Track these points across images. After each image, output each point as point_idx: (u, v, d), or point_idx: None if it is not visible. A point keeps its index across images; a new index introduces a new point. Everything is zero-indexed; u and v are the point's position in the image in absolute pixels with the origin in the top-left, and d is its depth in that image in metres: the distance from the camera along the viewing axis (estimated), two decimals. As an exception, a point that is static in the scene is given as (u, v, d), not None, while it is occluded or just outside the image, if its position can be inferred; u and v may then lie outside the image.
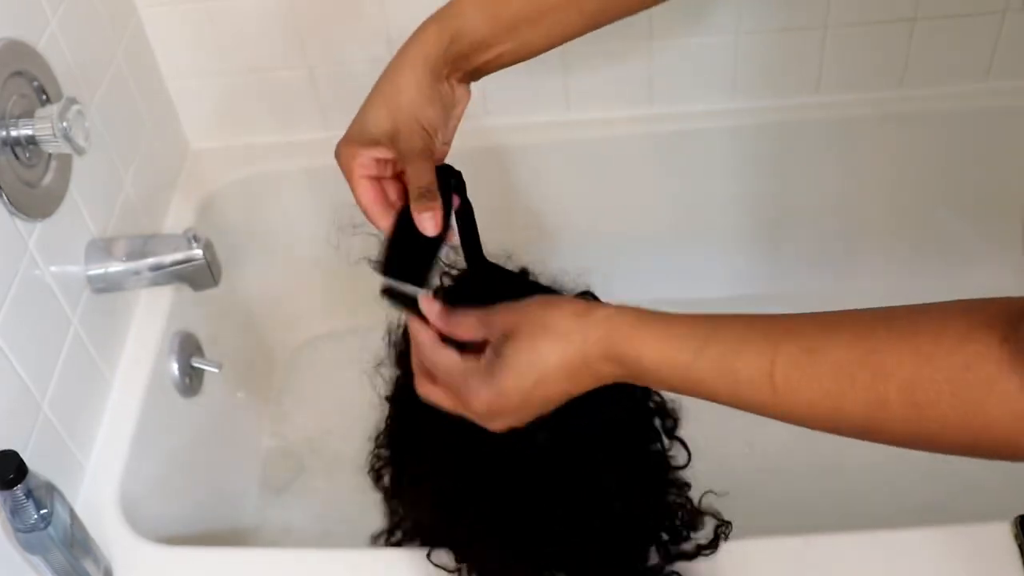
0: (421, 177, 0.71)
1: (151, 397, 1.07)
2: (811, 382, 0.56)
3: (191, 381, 1.17)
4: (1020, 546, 0.83)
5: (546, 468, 0.77)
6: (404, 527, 0.90)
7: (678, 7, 1.27)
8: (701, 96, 1.34)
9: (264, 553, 1.04)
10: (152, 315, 1.14)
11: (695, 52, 1.30)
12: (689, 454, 0.86)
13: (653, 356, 0.61)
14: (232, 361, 1.28)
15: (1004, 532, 0.84)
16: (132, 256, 1.05)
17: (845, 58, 1.28)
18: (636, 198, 1.43)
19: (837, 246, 1.47)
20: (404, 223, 0.72)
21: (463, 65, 0.77)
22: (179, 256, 1.06)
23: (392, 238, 0.73)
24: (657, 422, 0.85)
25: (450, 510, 0.82)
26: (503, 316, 0.67)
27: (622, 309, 0.64)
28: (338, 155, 0.75)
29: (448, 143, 0.80)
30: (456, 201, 0.76)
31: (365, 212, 0.74)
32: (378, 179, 0.74)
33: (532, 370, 0.64)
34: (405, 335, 0.85)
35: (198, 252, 1.06)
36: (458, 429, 0.70)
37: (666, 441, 0.86)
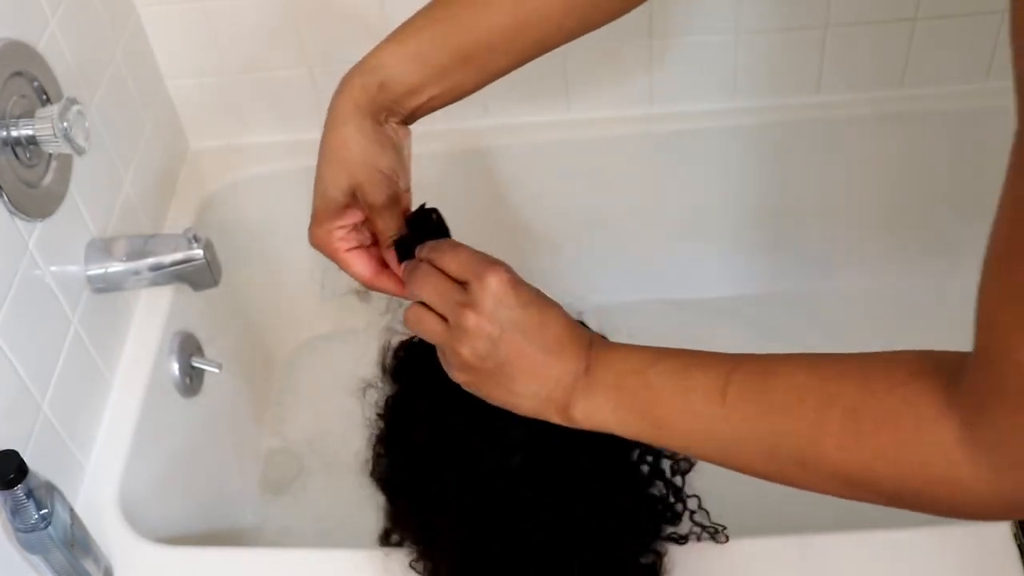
0: (391, 227, 0.72)
1: (151, 397, 1.07)
2: (761, 396, 0.57)
3: (191, 381, 1.17)
4: (1020, 546, 0.83)
5: (531, 474, 0.77)
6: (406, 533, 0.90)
7: (679, 7, 1.28)
8: (701, 96, 1.34)
9: (264, 553, 1.04)
10: (152, 315, 1.14)
11: (695, 52, 1.30)
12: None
13: (616, 356, 0.63)
14: (232, 361, 1.28)
15: (1004, 532, 0.84)
16: (132, 256, 1.05)
17: (845, 58, 1.28)
18: (636, 198, 1.43)
19: (837, 246, 1.47)
20: (406, 243, 0.73)
21: (397, 109, 0.75)
22: (179, 256, 1.06)
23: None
24: None
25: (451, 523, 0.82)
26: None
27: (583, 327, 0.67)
28: (313, 241, 0.74)
29: (408, 190, 0.78)
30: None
31: (366, 284, 0.74)
32: (365, 247, 0.74)
33: (540, 320, 0.64)
34: (395, 354, 0.85)
35: (198, 252, 1.06)
36: (450, 438, 0.71)
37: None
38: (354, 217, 0.74)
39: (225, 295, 1.21)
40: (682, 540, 0.85)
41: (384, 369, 0.88)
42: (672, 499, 0.85)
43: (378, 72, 0.74)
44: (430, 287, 0.66)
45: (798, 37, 1.28)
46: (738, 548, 0.87)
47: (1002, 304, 0.45)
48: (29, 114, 0.92)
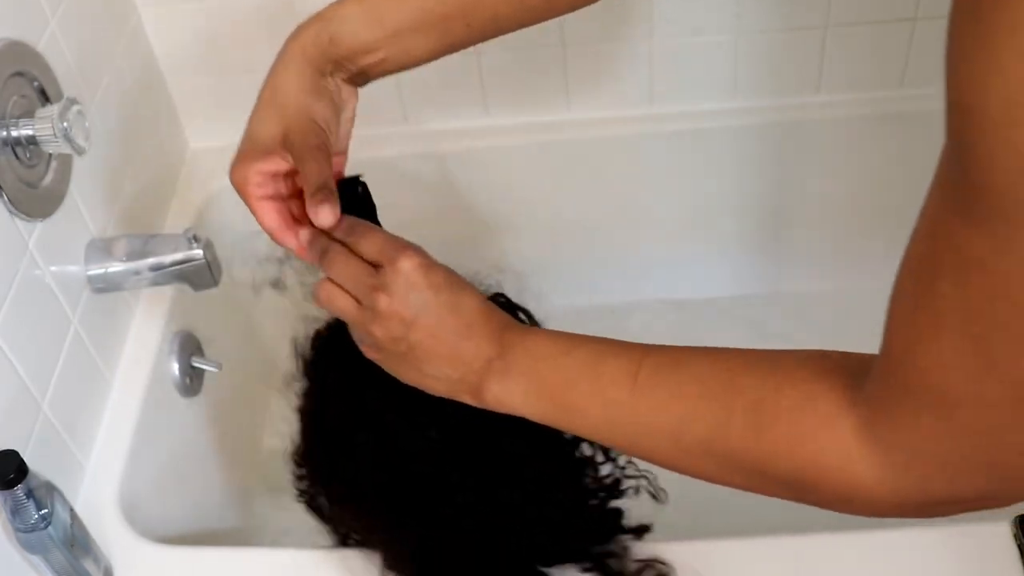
0: (319, 173, 0.67)
1: (151, 397, 1.07)
2: (669, 384, 0.59)
3: (191, 381, 1.17)
4: (1020, 546, 0.83)
5: (454, 454, 0.77)
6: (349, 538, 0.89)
7: (679, 7, 1.28)
8: (701, 96, 1.34)
9: (264, 553, 1.04)
10: (152, 315, 1.14)
11: (695, 52, 1.30)
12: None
13: (532, 342, 0.64)
14: (232, 361, 1.28)
15: (1004, 532, 0.84)
16: (132, 256, 1.05)
17: (845, 58, 1.28)
18: (636, 198, 1.43)
19: (838, 246, 1.47)
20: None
21: (347, 66, 0.73)
22: (179, 256, 1.06)
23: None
24: None
25: (379, 513, 0.81)
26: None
27: (501, 311, 0.68)
28: (232, 179, 0.73)
29: (343, 152, 0.76)
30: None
31: (271, 235, 0.71)
32: (280, 198, 0.71)
33: (451, 303, 0.64)
34: (313, 344, 0.83)
35: (198, 252, 1.06)
36: (364, 416, 0.72)
37: None
38: (275, 164, 0.70)
39: (225, 295, 1.21)
40: (620, 493, 0.84)
41: (302, 362, 0.86)
42: (608, 472, 0.85)
43: (332, 24, 0.72)
44: (342, 267, 0.66)
45: (798, 37, 1.28)
46: (738, 548, 0.87)
47: (913, 314, 0.46)
48: (29, 114, 0.92)
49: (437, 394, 0.67)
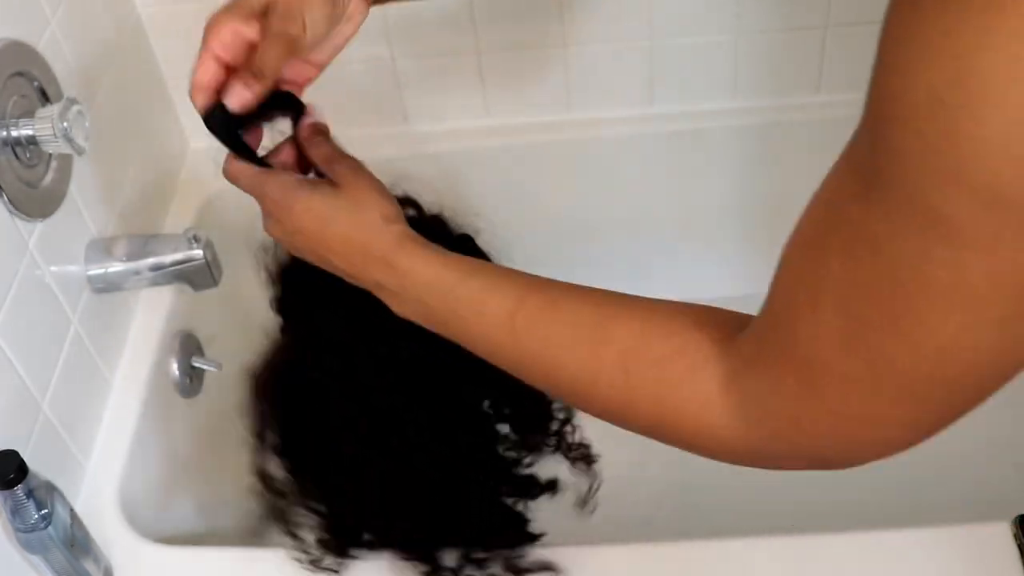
0: (267, 61, 0.66)
1: (151, 397, 1.07)
2: (546, 329, 0.61)
3: (191, 381, 1.17)
4: (1020, 546, 0.83)
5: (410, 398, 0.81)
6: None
7: (679, 7, 1.28)
8: (701, 96, 1.34)
9: (264, 553, 1.04)
10: (152, 315, 1.14)
11: (695, 52, 1.30)
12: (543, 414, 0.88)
13: (424, 271, 0.67)
14: (232, 361, 1.28)
15: (1004, 532, 0.84)
16: (132, 256, 1.05)
17: (845, 58, 1.28)
18: (636, 198, 1.43)
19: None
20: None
21: None
22: (179, 256, 1.06)
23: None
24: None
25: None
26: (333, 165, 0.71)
27: (407, 230, 0.69)
28: (207, 23, 0.69)
29: (320, 66, 0.76)
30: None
31: (191, 88, 0.68)
32: (222, 63, 0.68)
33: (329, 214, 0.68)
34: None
35: (198, 252, 1.06)
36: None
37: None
38: (249, 29, 0.67)
39: (225, 295, 1.21)
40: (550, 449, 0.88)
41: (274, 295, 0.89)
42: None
43: None
44: (248, 185, 0.72)
45: (798, 37, 1.28)
46: (738, 548, 0.87)
47: (798, 282, 0.48)
48: (29, 114, 0.92)
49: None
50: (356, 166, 0.71)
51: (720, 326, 0.55)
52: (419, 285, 0.66)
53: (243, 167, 0.73)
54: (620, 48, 1.30)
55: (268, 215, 0.71)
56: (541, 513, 0.91)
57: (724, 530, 0.93)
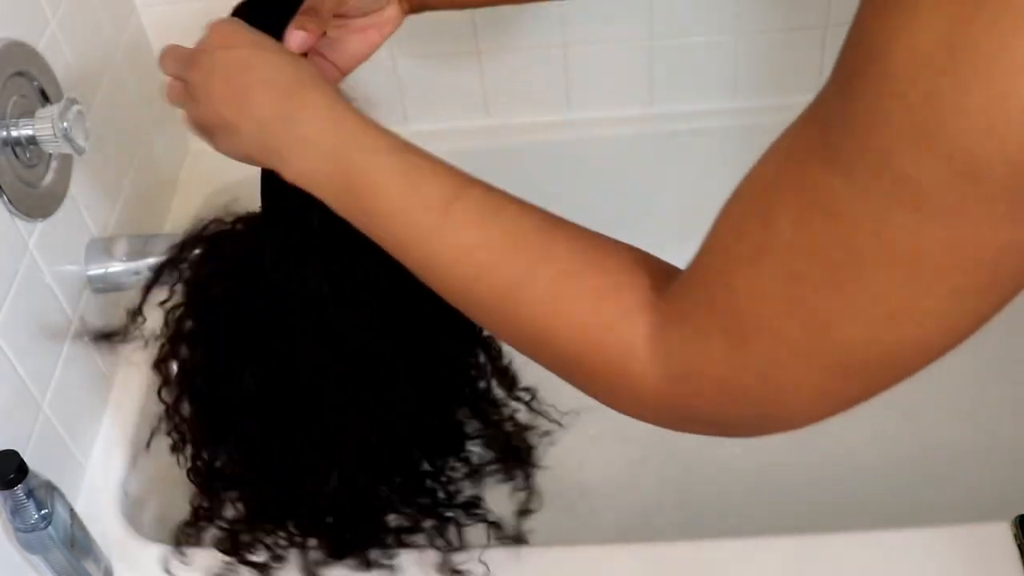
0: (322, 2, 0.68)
1: (152, 397, 1.07)
2: (482, 229, 0.57)
3: (191, 381, 1.17)
4: (1020, 546, 0.83)
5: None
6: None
7: (679, 7, 1.28)
8: (701, 96, 1.34)
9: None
10: (153, 315, 1.14)
11: (695, 52, 1.30)
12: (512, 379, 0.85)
13: (352, 124, 0.61)
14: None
15: (1004, 532, 0.84)
16: (132, 256, 1.05)
17: (845, 58, 1.28)
18: (636, 198, 1.43)
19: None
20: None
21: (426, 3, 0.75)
22: (179, 256, 1.06)
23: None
24: (482, 356, 0.84)
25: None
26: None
27: (333, 86, 0.65)
28: None
29: (344, 71, 0.77)
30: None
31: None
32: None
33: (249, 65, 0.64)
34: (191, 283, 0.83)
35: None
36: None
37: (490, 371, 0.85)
38: None
39: (225, 295, 1.21)
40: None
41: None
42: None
43: None
44: (169, 60, 0.69)
45: (798, 37, 1.28)
46: (738, 548, 0.87)
47: (739, 237, 0.47)
48: (29, 114, 0.92)
49: (249, 160, 0.65)
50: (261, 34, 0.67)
51: (657, 273, 0.53)
52: (348, 132, 0.60)
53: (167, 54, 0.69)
54: (620, 48, 1.30)
55: (190, 62, 0.66)
56: (537, 514, 0.90)
57: (724, 530, 0.93)
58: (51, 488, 0.84)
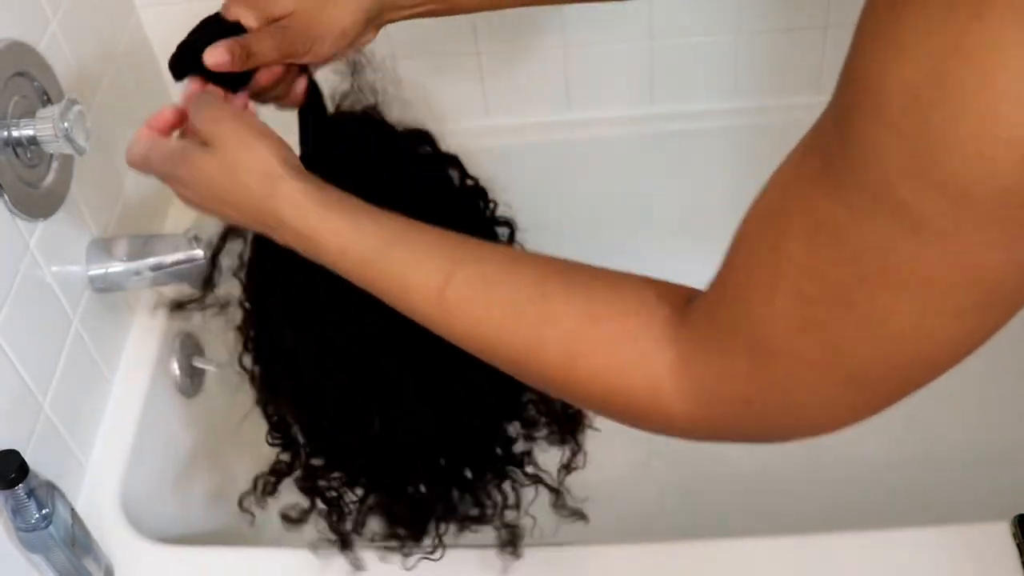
0: (261, 47, 0.72)
1: (152, 397, 1.07)
2: (480, 308, 0.58)
3: (192, 381, 1.17)
4: (1019, 546, 0.83)
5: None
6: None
7: (679, 7, 1.28)
8: (701, 96, 1.34)
9: (264, 553, 1.04)
10: (153, 315, 1.14)
11: (695, 52, 1.30)
12: None
13: (333, 245, 0.63)
14: (233, 361, 1.28)
15: (1003, 532, 0.84)
16: (133, 256, 1.05)
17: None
18: (636, 198, 1.43)
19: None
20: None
21: (392, 16, 0.78)
22: (180, 256, 1.06)
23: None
24: None
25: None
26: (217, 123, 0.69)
27: (310, 190, 0.65)
28: None
29: (312, 61, 0.78)
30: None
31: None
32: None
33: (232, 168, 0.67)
34: (254, 245, 0.82)
35: (199, 252, 1.06)
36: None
37: None
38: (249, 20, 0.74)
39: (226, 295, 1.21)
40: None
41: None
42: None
43: None
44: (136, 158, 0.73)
45: (798, 37, 1.28)
46: (738, 548, 0.87)
47: (754, 263, 0.49)
48: (30, 114, 0.92)
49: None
50: (235, 124, 0.69)
51: (669, 302, 0.55)
52: (331, 258, 0.63)
53: (135, 145, 0.73)
54: (620, 48, 1.31)
55: (167, 182, 0.71)
56: (539, 515, 0.91)
57: (727, 531, 0.93)
58: (52, 488, 0.84)
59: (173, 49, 0.75)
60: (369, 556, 0.89)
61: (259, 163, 0.67)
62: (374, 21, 0.77)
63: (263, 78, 0.76)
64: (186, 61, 0.74)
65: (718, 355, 0.51)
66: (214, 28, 0.74)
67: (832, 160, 0.43)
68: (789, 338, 0.47)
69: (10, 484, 0.79)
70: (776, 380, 0.49)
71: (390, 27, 1.28)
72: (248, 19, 0.74)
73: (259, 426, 1.48)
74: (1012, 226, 0.39)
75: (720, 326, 0.51)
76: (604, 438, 1.04)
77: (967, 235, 0.39)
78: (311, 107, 0.80)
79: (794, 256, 0.46)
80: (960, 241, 0.40)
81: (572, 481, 0.98)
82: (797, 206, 0.46)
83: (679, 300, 0.55)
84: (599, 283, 0.58)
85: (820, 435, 0.52)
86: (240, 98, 0.75)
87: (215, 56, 0.71)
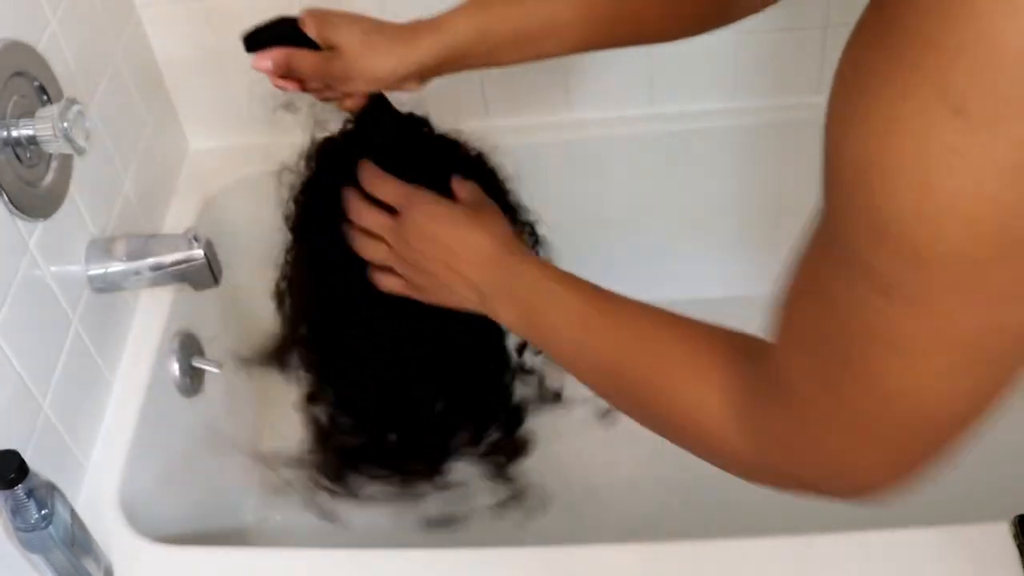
0: (304, 60, 0.80)
1: (152, 397, 1.07)
2: (603, 340, 0.69)
3: (192, 381, 1.17)
4: (1019, 546, 0.83)
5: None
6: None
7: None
8: (701, 96, 1.34)
9: (264, 553, 1.04)
10: (153, 315, 1.14)
11: (695, 52, 1.30)
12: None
13: (526, 275, 0.76)
14: (233, 361, 1.28)
15: (1003, 532, 0.84)
16: (132, 256, 1.05)
17: (845, 58, 1.28)
18: (636, 198, 1.43)
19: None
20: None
21: (435, 73, 0.85)
22: (179, 256, 1.06)
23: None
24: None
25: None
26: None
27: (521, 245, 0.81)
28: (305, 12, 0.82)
29: (357, 94, 0.85)
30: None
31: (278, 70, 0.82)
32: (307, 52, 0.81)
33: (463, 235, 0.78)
34: (311, 161, 0.91)
35: (198, 252, 1.06)
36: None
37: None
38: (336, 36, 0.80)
39: (226, 295, 1.21)
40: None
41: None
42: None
43: (446, 36, 0.82)
44: (369, 217, 0.80)
45: (798, 37, 1.28)
46: (738, 548, 0.87)
47: (787, 322, 0.53)
48: (29, 114, 0.92)
49: (456, 308, 0.80)
50: (481, 198, 0.83)
51: (738, 351, 0.61)
52: (525, 284, 0.75)
53: (389, 179, 0.81)
54: (620, 48, 1.30)
55: (399, 228, 0.79)
56: (543, 515, 0.91)
57: (726, 530, 0.93)
58: (51, 488, 0.84)
59: (250, 26, 0.83)
60: (379, 554, 0.89)
61: (497, 222, 0.81)
62: (414, 76, 0.83)
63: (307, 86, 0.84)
64: (252, 44, 0.83)
65: (767, 405, 0.56)
66: (285, 28, 0.81)
67: (824, 232, 0.47)
68: (813, 393, 0.51)
69: (10, 484, 0.79)
70: (808, 431, 0.53)
71: (390, 27, 1.28)
72: (311, 34, 0.80)
73: (258, 426, 1.49)
74: (974, 290, 0.41)
75: (768, 379, 0.55)
76: (610, 440, 1.04)
77: (936, 299, 0.42)
78: (371, 113, 0.86)
79: (810, 317, 0.50)
80: (929, 305, 0.42)
81: (577, 482, 0.98)
82: (808, 272, 0.50)
83: (744, 345, 0.61)
84: (692, 325, 0.67)
85: (873, 494, 0.57)
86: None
87: (260, 62, 0.81)
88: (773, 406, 0.55)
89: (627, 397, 0.68)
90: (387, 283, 0.81)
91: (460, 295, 0.78)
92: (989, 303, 0.42)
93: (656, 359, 0.65)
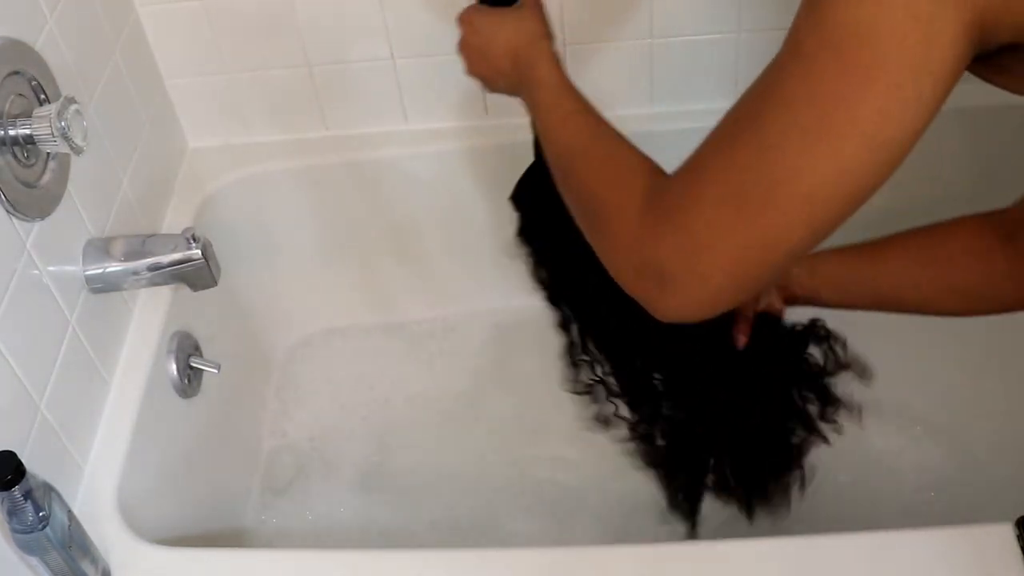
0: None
1: (149, 398, 1.07)
2: (581, 134, 0.87)
3: (190, 381, 1.17)
4: (1022, 547, 0.83)
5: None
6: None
7: (679, 7, 1.27)
8: (701, 95, 1.34)
9: (263, 554, 1.04)
10: (150, 315, 1.14)
11: (696, 51, 1.30)
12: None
13: (547, 89, 0.91)
14: (231, 361, 1.28)
15: (1006, 533, 0.84)
16: (130, 256, 1.05)
17: (845, 58, 1.28)
18: (636, 198, 1.42)
19: (835, 244, 1.47)
20: None
21: (791, 290, 1.01)
22: (178, 256, 1.06)
23: None
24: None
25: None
26: None
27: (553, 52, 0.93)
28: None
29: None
30: None
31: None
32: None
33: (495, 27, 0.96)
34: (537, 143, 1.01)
35: (197, 252, 1.05)
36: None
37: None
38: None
39: (224, 295, 1.21)
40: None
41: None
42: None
43: (816, 278, 0.99)
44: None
45: (798, 37, 1.27)
46: (739, 548, 0.87)
47: (717, 171, 0.69)
48: (27, 113, 0.92)
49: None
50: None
51: (662, 173, 0.76)
52: (543, 87, 0.90)
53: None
54: (620, 48, 1.30)
55: (462, 29, 0.97)
56: (540, 516, 0.90)
57: (724, 530, 0.93)
58: (49, 489, 0.83)
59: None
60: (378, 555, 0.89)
61: (540, 23, 0.95)
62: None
63: None
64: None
65: (669, 195, 0.71)
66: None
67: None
68: (713, 176, 0.68)
69: (7, 486, 0.79)
70: (692, 205, 0.68)
71: (390, 27, 1.28)
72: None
73: (257, 426, 1.48)
74: (855, 62, 0.55)
75: (680, 180, 0.72)
76: (606, 440, 1.04)
77: (824, 60, 0.57)
78: None
79: (726, 128, 0.69)
80: (818, 65, 0.58)
81: (577, 483, 0.97)
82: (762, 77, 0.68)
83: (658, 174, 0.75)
84: (634, 150, 0.82)
85: (707, 293, 0.67)
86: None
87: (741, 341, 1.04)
88: (671, 194, 0.70)
89: (574, 189, 0.82)
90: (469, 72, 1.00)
91: (500, 84, 0.97)
92: (860, 80, 0.55)
93: (603, 168, 0.81)
